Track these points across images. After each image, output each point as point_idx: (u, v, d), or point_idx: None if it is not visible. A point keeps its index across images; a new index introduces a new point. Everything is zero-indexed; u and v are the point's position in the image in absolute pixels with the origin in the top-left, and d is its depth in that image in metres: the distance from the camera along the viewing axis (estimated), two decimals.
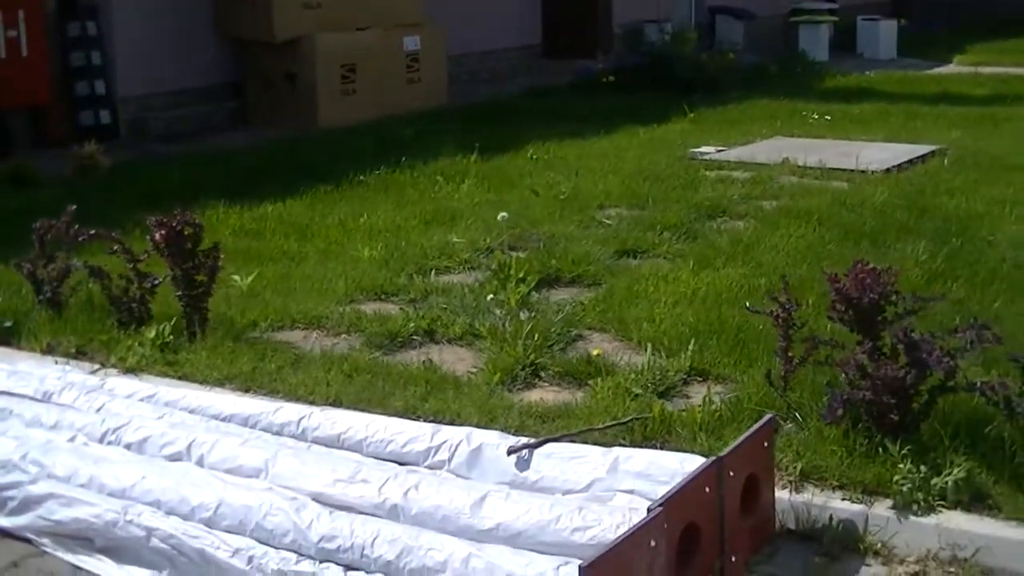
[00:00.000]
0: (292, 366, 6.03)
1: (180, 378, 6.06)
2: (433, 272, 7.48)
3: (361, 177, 9.94)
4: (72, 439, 5.30)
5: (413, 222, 8.57)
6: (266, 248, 8.16)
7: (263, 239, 8.42)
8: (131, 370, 6.18)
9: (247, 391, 5.88)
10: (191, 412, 5.55)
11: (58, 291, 6.85)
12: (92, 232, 6.66)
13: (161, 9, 12.93)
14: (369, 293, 7.17)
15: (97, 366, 6.27)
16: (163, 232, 6.37)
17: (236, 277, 7.34)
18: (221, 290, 7.15)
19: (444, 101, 14.11)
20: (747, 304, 5.70)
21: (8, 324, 6.76)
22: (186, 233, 6.40)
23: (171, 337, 6.37)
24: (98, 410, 5.60)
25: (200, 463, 5.04)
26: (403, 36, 13.76)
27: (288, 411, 5.38)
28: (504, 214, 7.78)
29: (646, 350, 5.93)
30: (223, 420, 5.46)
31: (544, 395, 5.62)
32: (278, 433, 5.30)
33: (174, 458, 5.10)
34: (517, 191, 9.40)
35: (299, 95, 13.08)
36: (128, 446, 5.25)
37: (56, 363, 6.30)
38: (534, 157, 10.70)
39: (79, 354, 6.47)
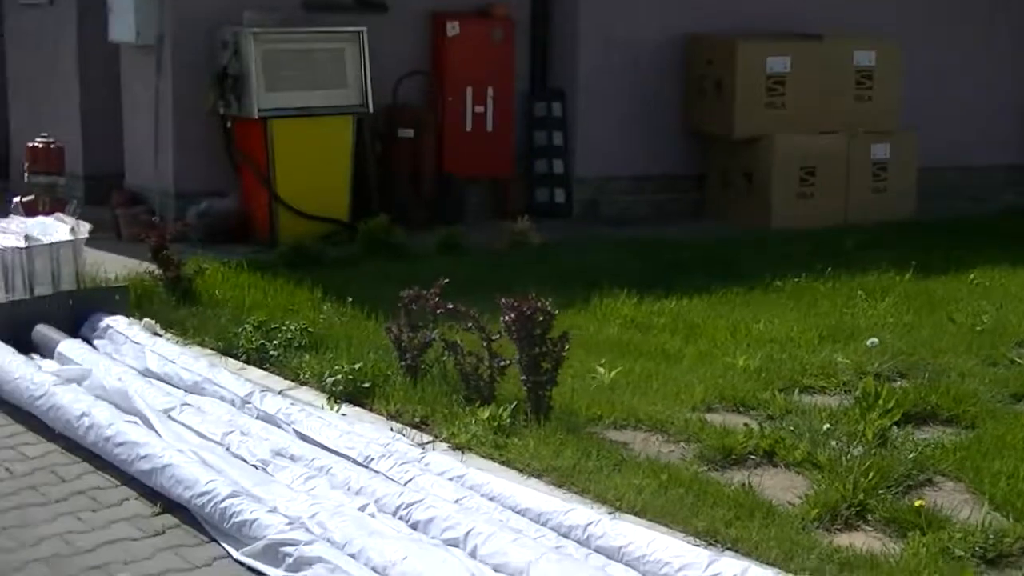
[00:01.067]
0: (613, 468, 5.81)
1: (503, 463, 5.99)
2: (800, 390, 7.06)
3: (778, 283, 9.57)
4: (363, 507, 5.31)
5: (809, 335, 8.13)
6: (646, 343, 7.97)
7: (648, 333, 8.23)
8: (460, 447, 6.17)
9: (560, 486, 5.72)
10: (491, 499, 5.46)
11: (418, 360, 6.95)
12: (450, 306, 6.70)
13: (629, 97, 13.05)
14: (727, 403, 6.84)
15: (431, 439, 6.29)
16: (512, 315, 6.33)
17: (601, 369, 7.20)
18: (581, 379, 7.08)
19: (911, 214, 13.42)
20: None
21: (366, 385, 6.91)
22: (536, 319, 6.34)
23: (508, 420, 6.30)
24: (406, 483, 5.60)
25: (473, 553, 4.93)
26: (872, 143, 13.23)
27: (578, 514, 5.19)
28: (875, 340, 7.27)
29: (988, 508, 5.31)
30: (517, 512, 5.33)
31: (857, 540, 5.14)
32: (564, 535, 5.12)
33: (451, 543, 5.02)
34: (935, 316, 8.75)
35: (754, 193, 12.83)
36: (415, 524, 5.22)
37: (391, 430, 6.36)
38: (975, 282, 9.95)
39: (422, 424, 6.52)
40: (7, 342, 7.41)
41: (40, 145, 10.47)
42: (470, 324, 6.62)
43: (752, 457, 6.05)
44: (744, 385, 7.02)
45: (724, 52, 12.86)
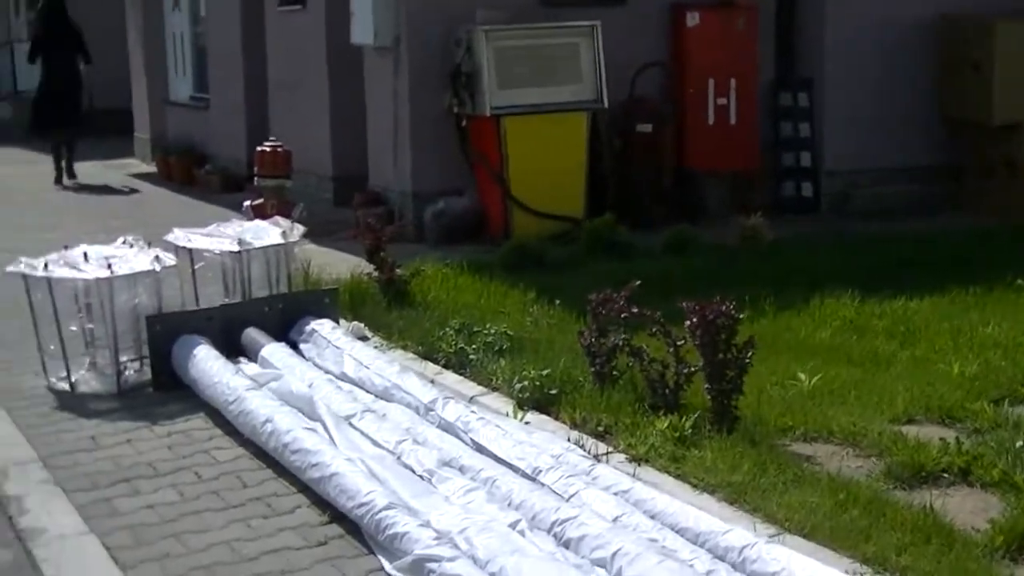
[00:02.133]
0: (789, 484, 5.50)
1: (677, 476, 5.76)
2: (1017, 401, 6.55)
3: (1021, 281, 8.94)
4: (515, 523, 5.17)
5: None
6: (859, 348, 7.57)
7: (863, 337, 7.82)
8: (637, 459, 5.96)
9: (732, 503, 5.46)
10: (652, 516, 5.24)
11: (607, 366, 6.76)
12: (635, 310, 6.50)
13: (880, 84, 12.51)
14: (932, 414, 6.42)
15: (607, 450, 6.10)
16: (695, 319, 6.09)
17: (802, 375, 6.87)
18: (781, 387, 6.78)
19: None
20: None
21: (553, 392, 6.76)
22: (720, 323, 6.07)
23: (689, 431, 6.06)
24: (569, 497, 5.43)
25: (618, 574, 4.73)
26: None
27: (736, 536, 4.93)
28: None
29: None
30: (676, 531, 5.09)
31: None
32: (720, 557, 4.87)
33: (599, 563, 4.84)
34: None
35: (1016, 183, 12.11)
36: (567, 542, 5.05)
37: (568, 440, 6.19)
38: None
39: (605, 434, 6.34)
40: (220, 345, 7.57)
41: (268, 149, 10.74)
42: (654, 329, 6.39)
43: (945, 475, 5.64)
44: (953, 395, 6.58)
45: (982, 33, 12.20)
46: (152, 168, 17.76)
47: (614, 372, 6.77)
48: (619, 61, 11.68)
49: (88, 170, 17.77)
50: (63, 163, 16.92)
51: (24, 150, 20.41)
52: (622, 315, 6.56)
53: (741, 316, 6.16)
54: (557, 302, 8.36)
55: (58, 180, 16.83)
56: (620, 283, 7.04)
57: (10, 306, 8.92)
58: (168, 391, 7.46)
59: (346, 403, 6.65)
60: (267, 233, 8.41)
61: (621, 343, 6.58)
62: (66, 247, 7.91)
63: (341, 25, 12.64)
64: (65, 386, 7.51)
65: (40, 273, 7.49)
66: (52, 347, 7.58)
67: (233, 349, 7.69)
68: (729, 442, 5.94)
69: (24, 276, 7.57)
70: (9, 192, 15.83)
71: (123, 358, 7.63)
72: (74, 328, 7.55)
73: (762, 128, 12.50)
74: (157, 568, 5.25)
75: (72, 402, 7.32)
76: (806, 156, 12.58)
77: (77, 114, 17.00)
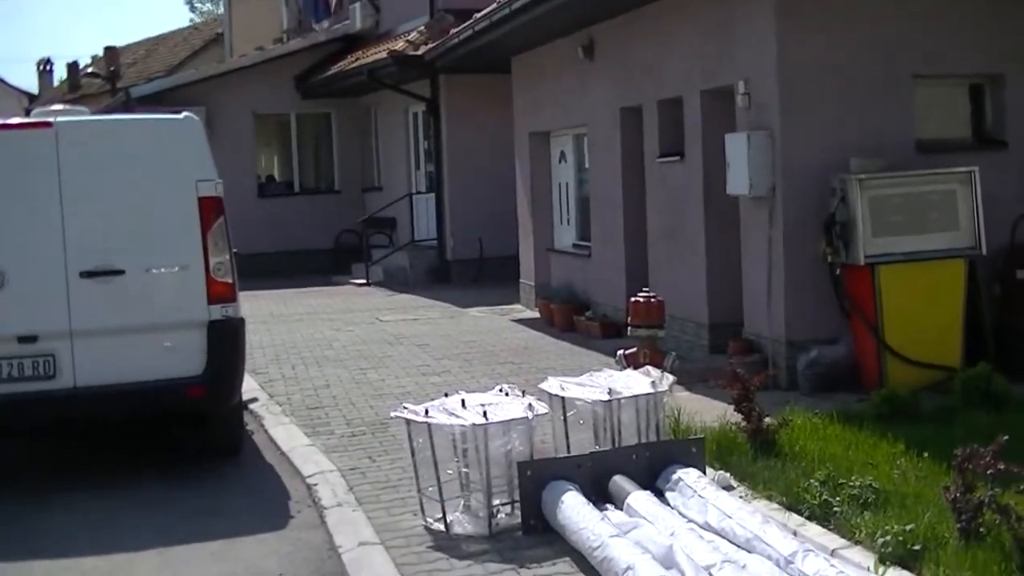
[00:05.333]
0: None
1: None
2: None
3: None
4: None
5: None
6: None
7: None
8: None
9: None
10: None
11: (972, 523, 6.60)
12: (1001, 467, 6.34)
13: None
14: None
15: None
16: None
17: None
18: None
19: None
20: None
21: (916, 547, 6.65)
22: None
23: None
24: None
25: None
26: None
27: None
28: None
29: None
30: None
31: None
32: None
33: None
34: None
35: None
36: None
37: None
38: None
39: None
40: (589, 491, 7.80)
41: (642, 300, 11.01)
42: (1022, 487, 6.23)
43: None
44: None
45: None
46: (535, 313, 18.41)
47: (980, 530, 6.60)
48: (998, 206, 11.45)
49: (475, 315, 18.71)
50: None
51: (415, 296, 21.60)
52: (987, 471, 6.41)
53: None
54: (925, 454, 8.21)
55: None
56: (992, 436, 6.89)
57: (396, 447, 9.50)
58: (537, 535, 7.70)
59: (707, 553, 6.71)
60: (637, 382, 8.64)
61: (987, 500, 6.42)
62: (446, 394, 8.38)
63: (717, 175, 12.91)
64: (440, 527, 7.89)
65: (421, 419, 7.96)
66: (430, 489, 7.99)
67: (601, 495, 7.90)
68: None
69: (407, 421, 8.06)
70: (401, 336, 16.72)
71: (495, 501, 7.94)
72: (450, 472, 7.94)
73: None
74: None
75: (446, 543, 7.67)
76: None
77: None
